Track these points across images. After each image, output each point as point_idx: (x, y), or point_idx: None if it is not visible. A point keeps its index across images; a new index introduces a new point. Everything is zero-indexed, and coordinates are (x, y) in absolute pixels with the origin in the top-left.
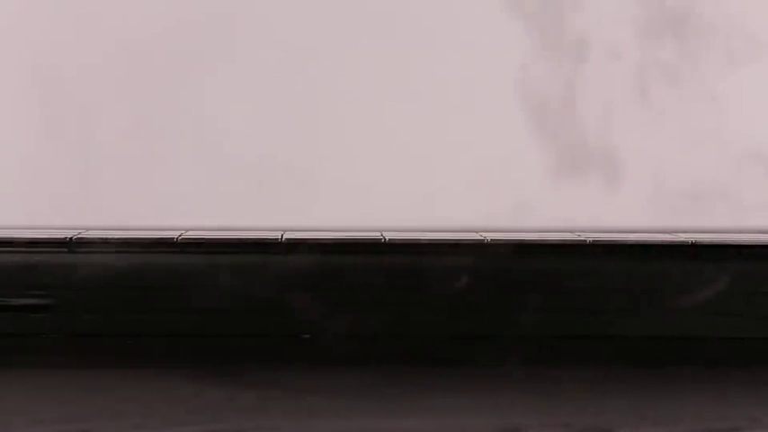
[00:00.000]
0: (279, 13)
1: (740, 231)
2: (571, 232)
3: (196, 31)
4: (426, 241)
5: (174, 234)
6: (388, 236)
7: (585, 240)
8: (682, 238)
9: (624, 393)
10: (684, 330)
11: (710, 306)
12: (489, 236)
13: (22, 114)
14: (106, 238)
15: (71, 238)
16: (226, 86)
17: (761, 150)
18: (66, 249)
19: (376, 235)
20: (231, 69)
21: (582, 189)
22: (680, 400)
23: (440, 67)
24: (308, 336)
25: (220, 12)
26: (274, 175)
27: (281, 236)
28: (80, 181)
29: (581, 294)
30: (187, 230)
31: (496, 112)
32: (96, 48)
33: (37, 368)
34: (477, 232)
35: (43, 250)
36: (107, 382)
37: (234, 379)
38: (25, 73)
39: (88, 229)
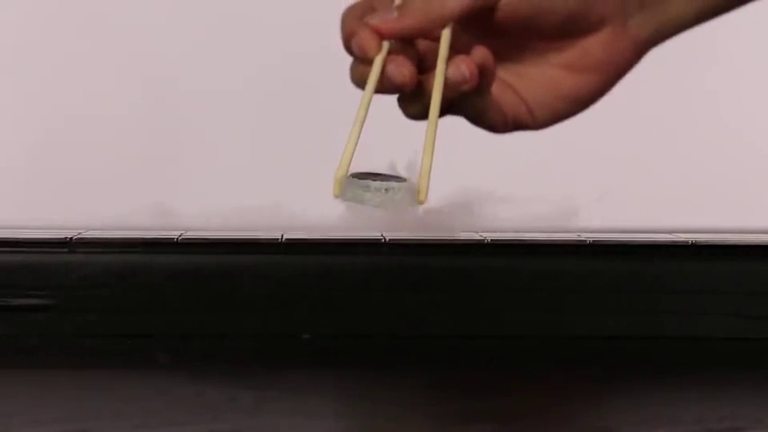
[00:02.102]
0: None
1: (740, 231)
2: (571, 232)
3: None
4: (426, 241)
5: (174, 234)
6: (389, 236)
7: (585, 240)
8: (682, 238)
9: (624, 394)
10: (684, 331)
11: (711, 306)
12: (489, 236)
13: (23, 114)
14: (106, 238)
15: (71, 238)
16: (231, 85)
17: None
18: (66, 249)
19: (376, 235)
20: (236, 71)
21: None
22: (680, 400)
23: None
24: (307, 336)
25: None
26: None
27: (282, 236)
28: (80, 181)
29: (580, 295)
30: (187, 230)
31: None
32: (97, 49)
33: (37, 368)
34: (476, 232)
35: (43, 250)
36: (107, 382)
37: (234, 379)
38: (28, 74)
39: (88, 230)
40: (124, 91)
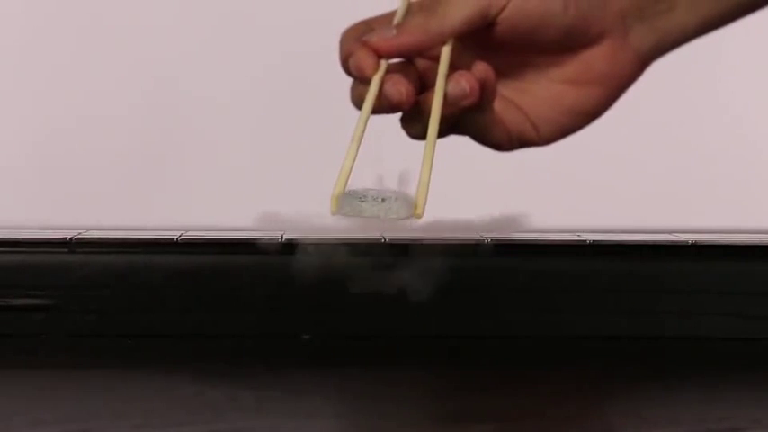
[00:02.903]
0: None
1: (740, 231)
2: (571, 232)
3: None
4: (425, 242)
5: (174, 234)
6: (389, 236)
7: (585, 240)
8: (682, 238)
9: (624, 394)
10: (684, 331)
11: (711, 306)
12: (489, 236)
13: (23, 114)
14: (106, 238)
15: (71, 239)
16: (232, 85)
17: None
18: (66, 249)
19: (376, 235)
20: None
21: None
22: (680, 400)
23: None
24: (307, 336)
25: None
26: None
27: (282, 236)
28: (80, 181)
29: (580, 295)
30: (187, 230)
31: None
32: (96, 49)
33: (37, 368)
34: (477, 232)
35: (43, 250)
36: (107, 382)
37: (234, 379)
38: (28, 74)
39: (88, 230)
40: (124, 91)
